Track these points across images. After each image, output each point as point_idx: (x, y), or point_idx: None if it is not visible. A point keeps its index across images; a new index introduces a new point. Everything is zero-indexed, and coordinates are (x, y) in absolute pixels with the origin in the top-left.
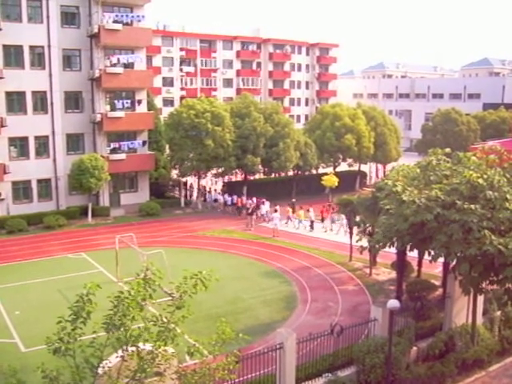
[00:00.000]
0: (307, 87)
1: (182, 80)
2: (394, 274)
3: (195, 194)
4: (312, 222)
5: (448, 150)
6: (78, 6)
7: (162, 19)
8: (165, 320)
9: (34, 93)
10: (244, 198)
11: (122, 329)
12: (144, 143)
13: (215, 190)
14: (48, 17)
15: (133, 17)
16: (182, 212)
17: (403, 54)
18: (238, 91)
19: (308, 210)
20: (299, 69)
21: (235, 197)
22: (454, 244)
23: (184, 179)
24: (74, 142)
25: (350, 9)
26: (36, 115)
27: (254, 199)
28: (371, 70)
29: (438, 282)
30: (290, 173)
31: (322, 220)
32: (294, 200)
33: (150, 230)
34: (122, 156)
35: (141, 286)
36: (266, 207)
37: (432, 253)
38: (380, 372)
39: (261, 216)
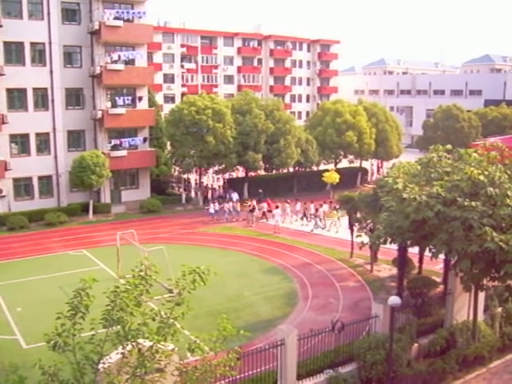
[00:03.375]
0: (308, 84)
1: (182, 76)
2: (394, 271)
3: (192, 191)
4: (264, 212)
5: (449, 146)
6: (78, 3)
7: (162, 16)
8: (164, 315)
9: (34, 89)
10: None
11: (120, 324)
12: (145, 140)
13: (211, 186)
14: (49, 13)
15: (134, 13)
16: (183, 209)
17: (404, 50)
18: (239, 88)
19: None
20: (300, 65)
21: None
22: (455, 241)
23: (185, 176)
24: (75, 139)
25: (351, 5)
26: (37, 112)
27: (221, 190)
28: (372, 67)
29: (438, 279)
30: (291, 169)
31: (270, 211)
32: (260, 191)
33: (151, 226)
34: (123, 153)
35: (137, 280)
36: (235, 197)
37: (433, 249)
38: (381, 368)
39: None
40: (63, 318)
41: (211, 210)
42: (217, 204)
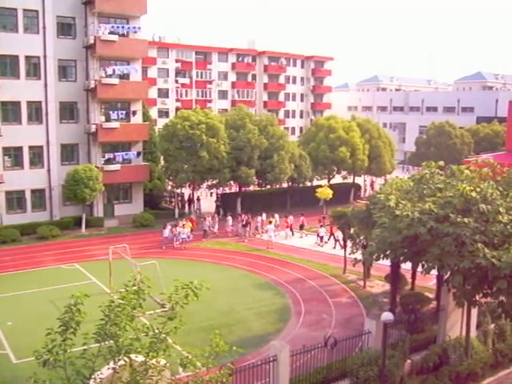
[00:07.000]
0: (302, 99)
1: (177, 91)
2: (387, 287)
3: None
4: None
5: (441, 163)
6: (74, 17)
7: (157, 31)
8: (156, 331)
9: (29, 103)
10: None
11: (113, 339)
12: (138, 154)
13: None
14: (44, 27)
15: (129, 28)
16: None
17: (397, 67)
18: (233, 103)
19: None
20: (294, 81)
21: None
22: (448, 257)
23: (178, 190)
24: (69, 153)
25: (345, 22)
26: (31, 125)
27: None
28: (366, 83)
29: (431, 295)
30: (285, 185)
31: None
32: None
33: (144, 241)
34: (117, 167)
35: (131, 295)
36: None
37: (425, 265)
38: None
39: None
40: (54, 333)
41: (165, 234)
42: (169, 227)
